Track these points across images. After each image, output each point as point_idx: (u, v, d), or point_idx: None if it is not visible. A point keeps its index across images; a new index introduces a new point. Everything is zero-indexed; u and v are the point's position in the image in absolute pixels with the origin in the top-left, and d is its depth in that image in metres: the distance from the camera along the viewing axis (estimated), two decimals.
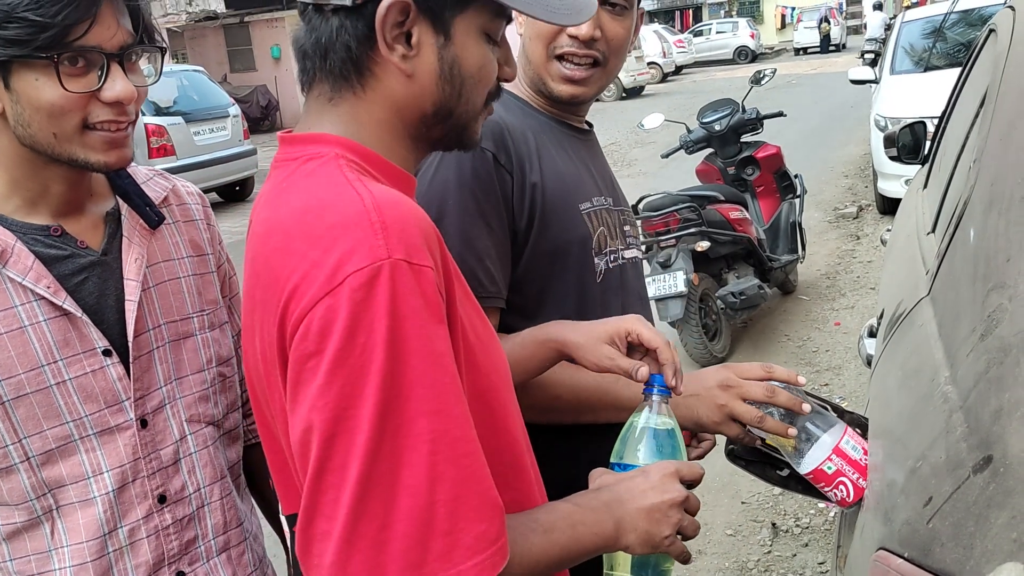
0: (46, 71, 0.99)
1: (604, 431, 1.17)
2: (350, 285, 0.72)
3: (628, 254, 1.43)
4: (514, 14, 0.99)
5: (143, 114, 9.83)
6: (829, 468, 1.18)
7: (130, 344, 1.12)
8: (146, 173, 1.25)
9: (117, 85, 1.03)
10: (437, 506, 0.72)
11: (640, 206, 4.67)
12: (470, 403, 0.82)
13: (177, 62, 19.02)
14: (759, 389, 1.18)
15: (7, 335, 1.04)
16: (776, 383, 1.20)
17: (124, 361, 1.12)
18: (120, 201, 1.18)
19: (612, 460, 1.03)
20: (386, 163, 0.88)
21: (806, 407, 1.18)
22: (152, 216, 1.19)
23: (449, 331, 0.80)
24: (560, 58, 1.33)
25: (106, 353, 1.10)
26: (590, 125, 1.51)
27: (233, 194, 11.39)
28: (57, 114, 1.01)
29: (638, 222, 4.59)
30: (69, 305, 1.07)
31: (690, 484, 0.97)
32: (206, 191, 10.97)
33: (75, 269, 1.10)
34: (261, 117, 21.11)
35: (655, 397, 1.04)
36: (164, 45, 1.14)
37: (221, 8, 17.88)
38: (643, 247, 4.42)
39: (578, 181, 1.36)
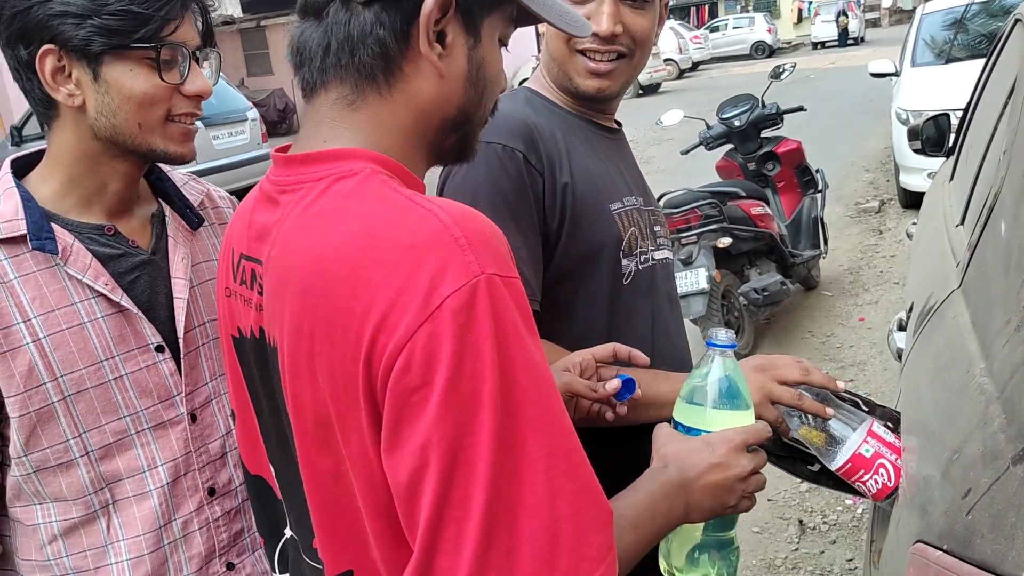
0: (140, 62, 1.06)
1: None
2: (450, 308, 0.67)
3: (658, 255, 1.41)
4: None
5: None
6: (867, 451, 1.17)
7: (180, 340, 1.16)
8: (181, 178, 1.30)
9: (198, 80, 1.12)
10: (559, 523, 0.69)
11: (660, 203, 4.65)
12: None
13: None
14: (795, 371, 1.19)
15: (68, 331, 1.07)
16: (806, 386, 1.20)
17: (175, 357, 1.16)
18: (162, 203, 1.23)
19: (675, 418, 1.00)
20: (411, 175, 0.84)
21: (840, 384, 1.20)
22: (192, 218, 1.24)
23: None
24: (583, 52, 1.31)
25: (159, 349, 1.14)
26: (619, 124, 1.50)
27: None
28: (147, 103, 1.07)
29: None
30: (126, 302, 1.11)
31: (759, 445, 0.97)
32: None
33: (128, 268, 1.14)
34: (279, 120, 21.22)
35: (714, 352, 1.00)
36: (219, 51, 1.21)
37: (238, 12, 17.99)
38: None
39: (609, 181, 1.35)
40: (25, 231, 1.07)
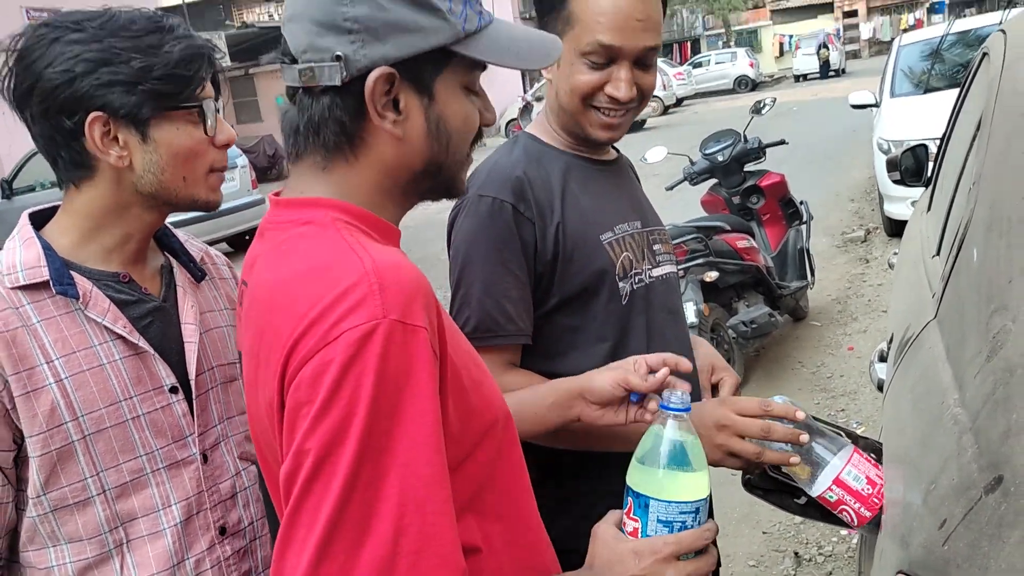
0: (184, 120, 1.15)
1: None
2: (345, 340, 0.76)
3: (657, 272, 1.49)
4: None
5: None
6: (831, 496, 1.21)
7: (192, 382, 1.21)
8: (183, 235, 1.36)
9: (226, 129, 1.21)
10: (399, 558, 0.76)
11: None
12: (476, 442, 0.89)
13: None
14: (755, 427, 1.20)
15: (89, 372, 1.12)
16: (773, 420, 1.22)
17: (187, 399, 1.21)
18: (169, 257, 1.29)
19: (628, 483, 1.01)
20: (377, 220, 0.94)
21: (804, 438, 1.19)
22: (196, 271, 1.31)
23: (440, 382, 0.83)
24: (597, 108, 1.40)
25: (173, 390, 1.19)
26: (618, 151, 1.60)
27: (243, 243, 11.49)
28: (193, 157, 1.16)
29: None
30: (143, 344, 1.17)
31: (702, 546, 0.96)
32: (216, 241, 11.15)
33: (142, 313, 1.20)
34: (268, 166, 21.32)
35: (667, 415, 1.00)
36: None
37: (226, 61, 18.18)
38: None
39: (600, 214, 1.43)
40: (47, 277, 1.12)
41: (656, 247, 1.51)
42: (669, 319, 1.50)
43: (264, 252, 0.93)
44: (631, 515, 0.98)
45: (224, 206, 10.45)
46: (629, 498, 0.99)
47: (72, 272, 1.14)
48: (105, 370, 1.13)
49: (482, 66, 0.95)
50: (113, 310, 1.15)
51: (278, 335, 0.82)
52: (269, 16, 31.30)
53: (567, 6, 1.36)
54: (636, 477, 0.99)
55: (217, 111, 1.20)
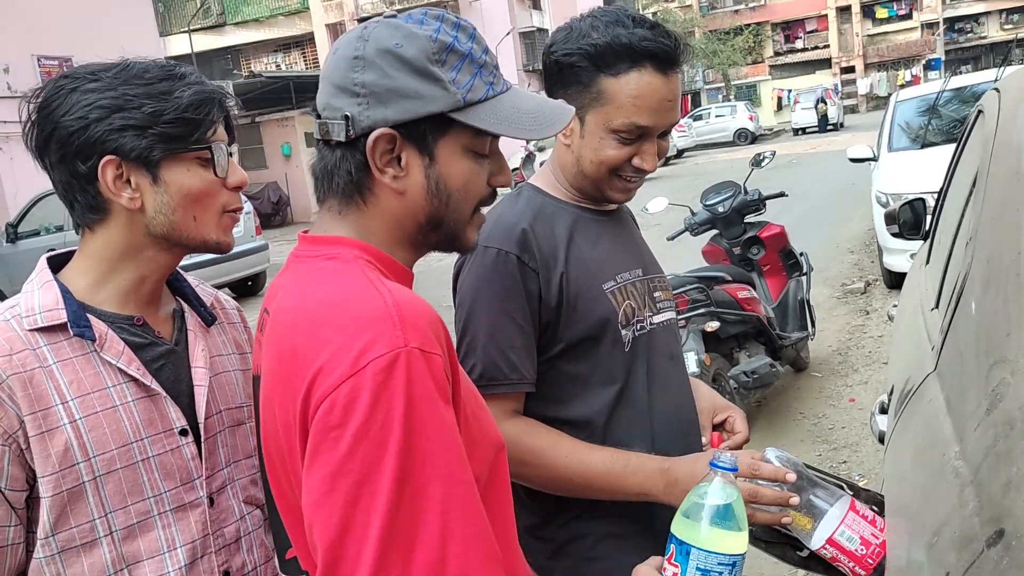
0: (194, 162, 1.17)
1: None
2: (372, 369, 0.83)
3: (658, 319, 1.52)
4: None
5: None
6: (826, 554, 1.22)
7: (201, 425, 1.22)
8: (193, 280, 1.39)
9: (237, 172, 1.23)
10: (448, 560, 0.83)
11: None
12: (475, 468, 0.93)
13: None
14: (743, 491, 1.21)
15: (102, 413, 1.13)
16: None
17: (196, 442, 1.22)
18: (181, 301, 1.32)
19: (672, 531, 1.06)
20: (392, 261, 1.03)
21: (794, 500, 1.23)
22: (207, 316, 1.33)
23: (454, 406, 0.91)
24: (619, 175, 1.45)
25: (183, 433, 1.20)
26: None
27: (245, 289, 11.53)
28: (203, 198, 1.19)
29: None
30: (155, 386, 1.18)
31: None
32: (219, 286, 11.09)
33: (154, 356, 1.22)
34: (272, 213, 21.50)
35: (715, 473, 1.07)
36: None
37: (235, 109, 18.41)
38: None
39: (602, 263, 1.46)
40: (65, 319, 1.14)
41: (657, 294, 1.54)
42: (670, 364, 1.53)
43: (288, 283, 1.01)
44: (672, 561, 1.04)
45: None
46: (672, 545, 1.05)
47: (88, 315, 1.16)
48: (118, 412, 1.15)
49: (489, 132, 1.01)
50: (127, 352, 1.17)
51: (302, 359, 0.88)
52: (276, 66, 31.83)
53: (597, 84, 1.37)
54: (680, 526, 1.05)
55: (230, 155, 1.23)
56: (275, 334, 0.96)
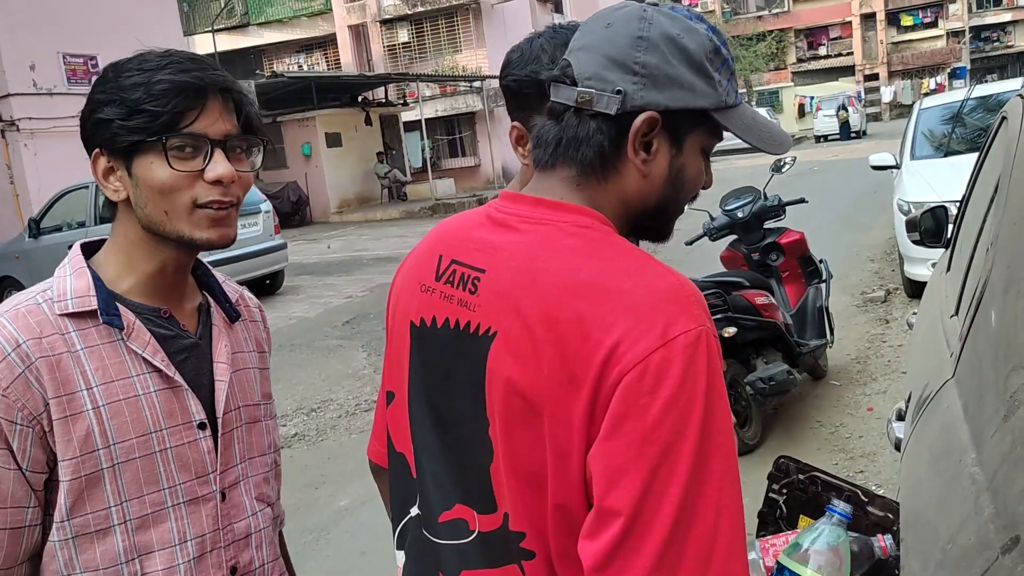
0: (159, 155, 1.14)
1: None
2: (682, 342, 0.86)
3: None
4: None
5: None
6: None
7: (219, 420, 1.23)
8: (221, 276, 1.39)
9: (218, 167, 1.16)
10: (720, 536, 0.85)
11: None
12: None
13: None
14: None
15: (125, 401, 1.15)
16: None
17: (213, 436, 1.22)
18: (207, 296, 1.32)
19: (780, 561, 1.12)
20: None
21: None
22: (232, 312, 1.33)
23: None
24: None
25: (201, 426, 1.21)
26: None
27: (264, 288, 11.60)
28: (168, 192, 1.15)
29: None
30: (178, 378, 1.19)
31: None
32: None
33: (179, 348, 1.22)
34: (291, 212, 21.60)
35: (835, 518, 1.15)
36: (265, 139, 1.27)
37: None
38: None
39: None
40: (95, 307, 1.15)
41: None
42: None
43: (516, 242, 1.00)
44: None
45: (246, 250, 10.69)
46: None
47: (117, 303, 1.18)
48: (140, 401, 1.16)
49: (720, 137, 1.05)
50: (153, 343, 1.18)
51: (591, 323, 0.89)
52: (298, 67, 32.00)
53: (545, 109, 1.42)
54: (788, 561, 1.12)
55: (222, 146, 1.17)
56: (536, 294, 0.94)
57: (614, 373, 0.86)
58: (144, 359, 1.17)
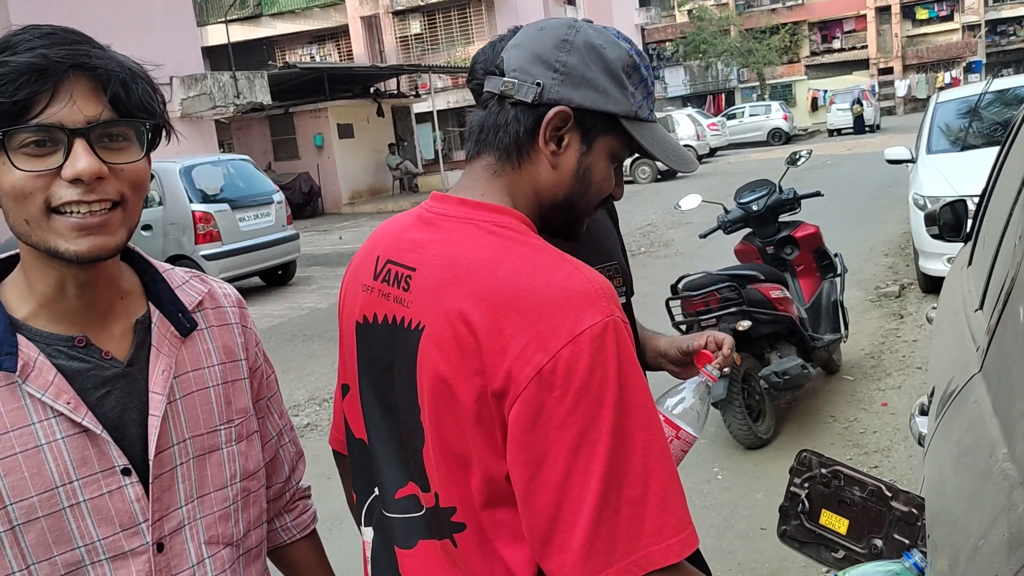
0: (1, 154, 0.94)
1: None
2: (589, 336, 0.93)
3: None
4: None
5: (191, 201, 10.23)
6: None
7: (151, 462, 1.05)
8: (182, 276, 1.20)
9: (79, 162, 0.94)
10: (650, 495, 0.93)
11: (680, 286, 4.67)
12: None
13: (224, 151, 19.69)
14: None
15: (22, 455, 0.99)
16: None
17: (144, 479, 1.05)
18: (152, 307, 1.12)
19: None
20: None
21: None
22: (184, 323, 1.13)
23: None
24: None
25: (125, 472, 1.04)
26: None
27: (276, 278, 11.62)
28: (20, 197, 0.95)
29: (678, 302, 4.59)
30: (89, 422, 1.01)
31: None
32: (249, 275, 11.25)
33: (98, 382, 1.05)
34: (303, 203, 21.64)
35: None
36: (157, 120, 1.03)
37: (267, 100, 18.54)
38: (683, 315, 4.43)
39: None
40: None
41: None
42: None
43: (441, 240, 1.07)
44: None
45: (258, 240, 10.71)
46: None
47: (20, 336, 1.01)
48: (42, 452, 0.99)
49: (632, 149, 1.13)
50: (59, 383, 1.00)
51: (506, 317, 0.96)
52: (310, 58, 32.03)
53: None
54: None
55: (84, 136, 0.95)
56: (461, 289, 1.00)
57: (526, 370, 0.94)
58: (47, 403, 1.00)
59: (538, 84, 1.06)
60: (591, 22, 1.15)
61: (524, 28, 1.14)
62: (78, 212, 0.96)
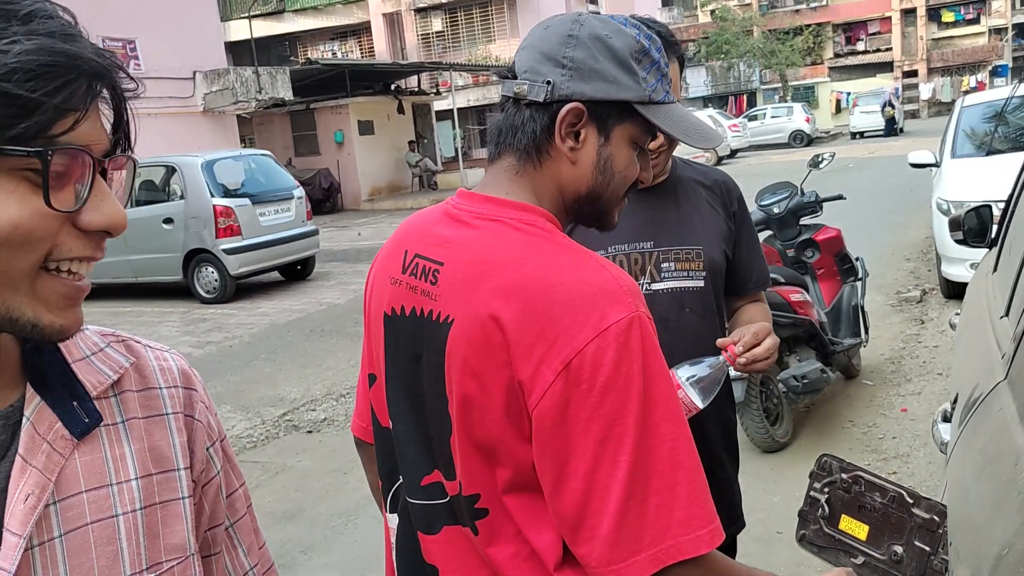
0: (11, 176, 0.65)
1: None
2: (615, 331, 0.95)
3: (658, 286, 1.72)
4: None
5: (212, 196, 10.27)
6: None
7: None
8: (95, 342, 0.82)
9: (110, 206, 0.70)
10: (678, 487, 0.95)
11: None
12: None
13: (245, 146, 19.80)
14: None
15: None
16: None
17: None
18: (30, 391, 0.75)
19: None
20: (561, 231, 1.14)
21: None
22: (79, 417, 0.75)
23: None
24: None
25: None
26: (686, 167, 1.87)
27: (295, 273, 11.67)
28: (18, 242, 0.65)
29: None
30: None
31: None
32: (269, 270, 11.29)
33: None
34: (323, 199, 21.72)
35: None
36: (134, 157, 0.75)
37: (289, 96, 18.64)
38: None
39: (601, 235, 1.61)
40: None
41: (665, 264, 1.72)
42: (659, 328, 1.58)
43: (470, 238, 1.09)
44: None
45: (278, 235, 10.77)
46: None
47: None
48: None
49: (653, 133, 1.14)
50: None
51: (536, 313, 0.98)
52: (332, 54, 32.15)
53: None
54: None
55: (102, 171, 0.70)
56: (490, 285, 1.02)
57: (554, 364, 0.96)
58: None
59: (548, 83, 1.08)
60: (598, 13, 1.14)
61: (532, 28, 1.16)
62: (76, 275, 0.70)
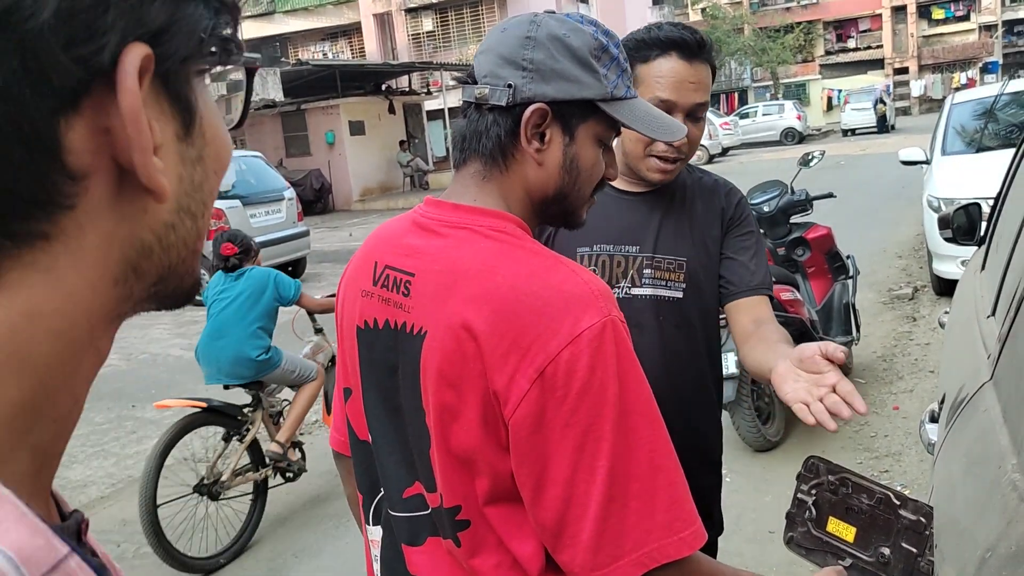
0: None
1: None
2: (587, 337, 0.95)
3: (638, 291, 1.71)
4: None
5: None
6: None
7: None
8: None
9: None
10: (659, 489, 0.96)
11: None
12: None
13: (236, 147, 19.70)
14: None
15: None
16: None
17: None
18: None
19: None
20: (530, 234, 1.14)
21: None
22: None
23: None
24: (653, 155, 1.67)
25: None
26: (696, 175, 1.83)
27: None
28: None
29: None
30: None
31: None
32: None
33: None
34: (314, 199, 21.67)
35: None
36: None
37: (279, 96, 18.58)
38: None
39: (589, 232, 1.64)
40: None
41: (647, 271, 1.72)
42: (635, 332, 1.53)
43: (440, 247, 1.08)
44: None
45: (269, 236, 10.74)
46: None
47: None
48: None
49: (617, 129, 1.14)
50: None
51: (508, 322, 0.97)
52: (323, 54, 32.08)
53: (633, 71, 1.52)
54: None
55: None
56: (461, 295, 1.02)
57: (528, 373, 0.96)
58: None
59: (509, 86, 1.07)
60: (553, 12, 1.15)
61: (489, 31, 1.16)
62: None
